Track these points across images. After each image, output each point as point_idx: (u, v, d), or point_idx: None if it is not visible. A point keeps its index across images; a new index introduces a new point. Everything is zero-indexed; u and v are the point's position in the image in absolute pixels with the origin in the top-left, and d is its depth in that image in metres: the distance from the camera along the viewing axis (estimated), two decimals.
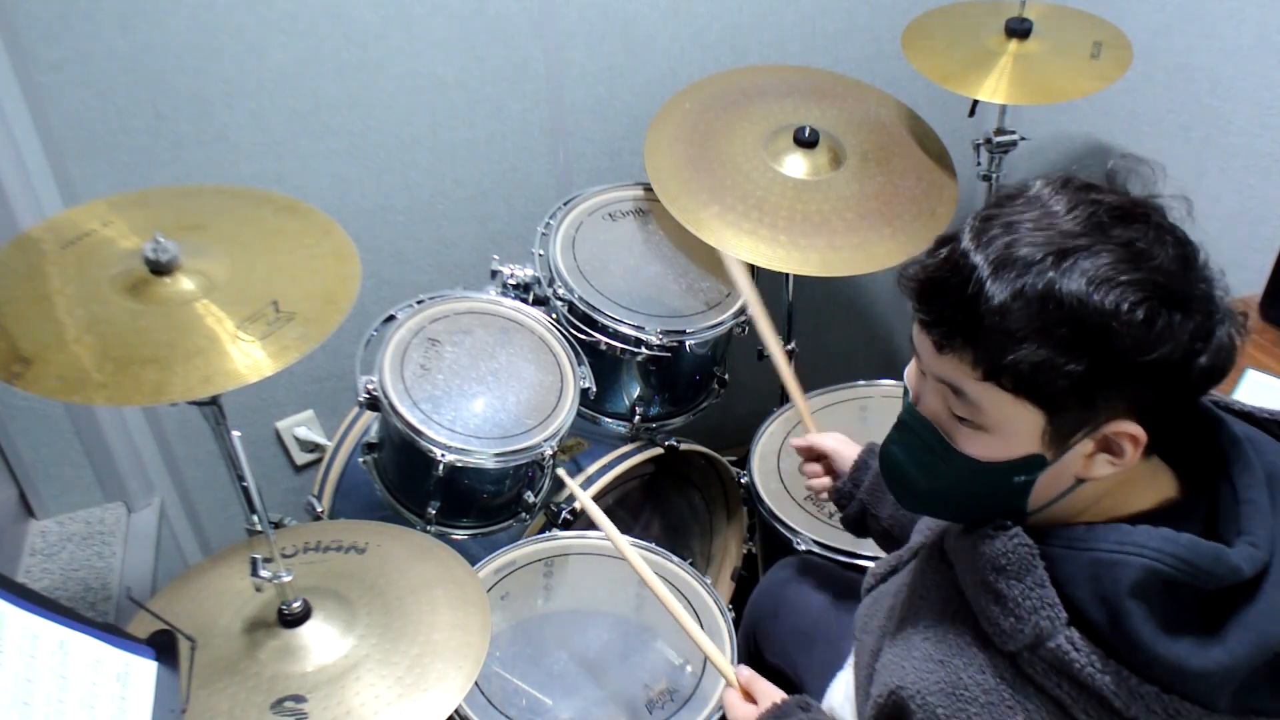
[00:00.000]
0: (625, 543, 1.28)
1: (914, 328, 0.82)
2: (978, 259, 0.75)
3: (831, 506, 1.59)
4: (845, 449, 1.31)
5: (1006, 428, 0.78)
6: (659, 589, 1.22)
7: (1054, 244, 0.73)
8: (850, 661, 1.12)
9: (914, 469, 0.86)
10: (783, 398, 1.93)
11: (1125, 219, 0.74)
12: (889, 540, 1.24)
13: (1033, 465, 0.79)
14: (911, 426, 0.86)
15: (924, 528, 1.06)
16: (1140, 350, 0.71)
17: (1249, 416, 0.86)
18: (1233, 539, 0.76)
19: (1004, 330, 0.73)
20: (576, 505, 1.58)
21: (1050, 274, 0.72)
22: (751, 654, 1.44)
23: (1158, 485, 0.83)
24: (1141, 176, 0.79)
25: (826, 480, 1.34)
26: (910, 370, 0.87)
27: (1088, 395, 0.74)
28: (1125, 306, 0.70)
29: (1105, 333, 0.71)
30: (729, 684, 1.14)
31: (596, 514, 1.30)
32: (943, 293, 0.77)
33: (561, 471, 1.52)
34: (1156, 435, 0.77)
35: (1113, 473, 0.78)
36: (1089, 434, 0.76)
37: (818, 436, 1.35)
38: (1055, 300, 0.72)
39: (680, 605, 1.24)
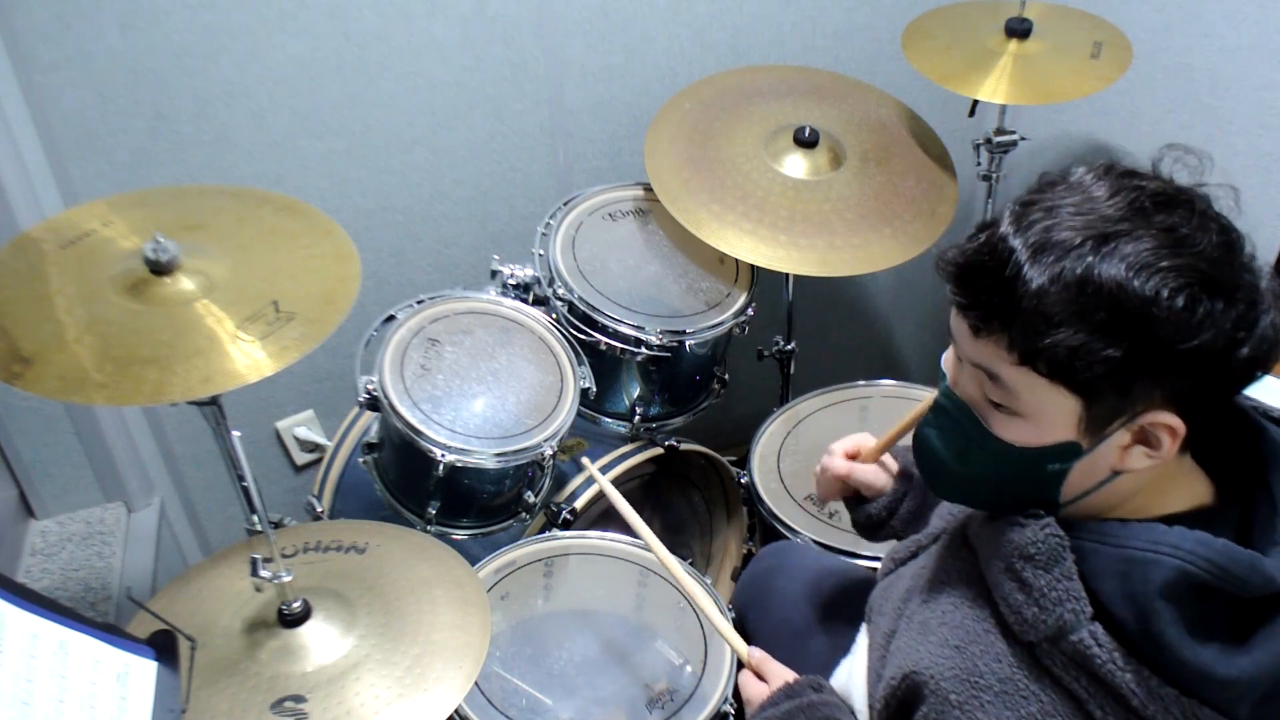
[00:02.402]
0: (643, 525, 1.28)
1: (952, 312, 0.81)
2: (1016, 242, 0.74)
3: (832, 505, 1.59)
4: (881, 473, 1.20)
5: (1042, 413, 0.77)
6: (675, 568, 1.24)
7: (1094, 229, 0.72)
8: (857, 645, 1.12)
9: (948, 454, 0.86)
10: (783, 398, 1.93)
11: (1168, 205, 0.74)
12: None
13: (1067, 453, 0.78)
14: (948, 410, 0.85)
15: (945, 513, 1.05)
16: (1180, 337, 0.70)
17: None
18: (1268, 549, 0.75)
19: (1041, 314, 0.72)
20: (577, 505, 1.58)
21: (1089, 258, 0.71)
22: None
23: (1192, 488, 0.82)
24: (1188, 166, 0.79)
25: (835, 497, 1.24)
26: (947, 355, 0.86)
27: (1125, 382, 0.73)
28: (1166, 292, 0.70)
29: (1144, 319, 0.70)
30: (743, 663, 1.13)
31: (613, 494, 1.31)
32: (980, 276, 0.76)
33: (586, 460, 1.49)
34: (1195, 430, 0.76)
35: (1149, 465, 0.77)
36: (1126, 424, 0.76)
37: (864, 470, 1.19)
38: (1094, 285, 0.71)
39: (695, 584, 1.25)
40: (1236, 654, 0.73)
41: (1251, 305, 0.73)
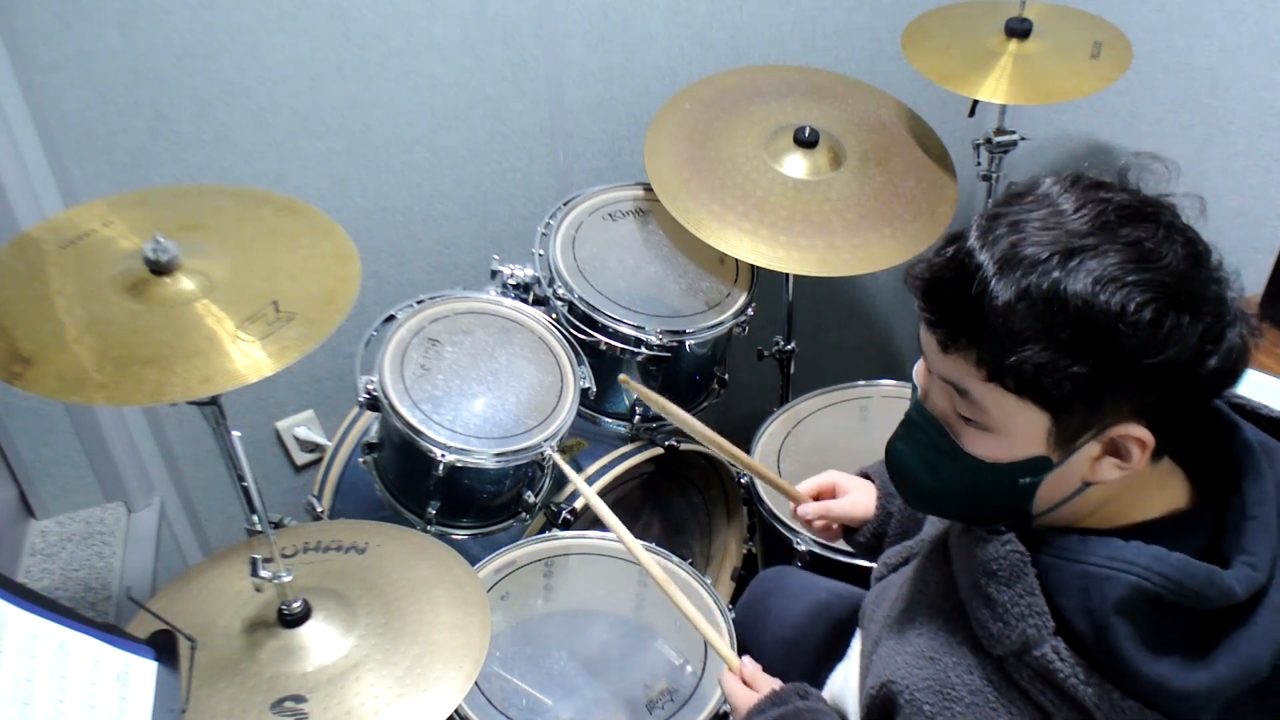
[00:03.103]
0: (629, 536, 1.28)
1: (921, 327, 0.81)
2: (983, 258, 0.74)
3: None
4: (858, 501, 1.23)
5: (1011, 429, 0.77)
6: (659, 575, 1.22)
7: (1060, 244, 0.72)
8: (851, 651, 1.13)
9: (920, 467, 0.86)
10: (783, 398, 1.93)
11: (1134, 218, 0.73)
12: None
13: (1038, 467, 0.78)
14: (919, 424, 0.85)
15: (936, 520, 1.05)
16: (1147, 352, 0.70)
17: (1274, 423, 0.85)
18: (1234, 556, 0.75)
19: (1007, 330, 0.72)
20: (577, 505, 1.58)
21: (1055, 274, 0.71)
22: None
23: (1168, 493, 0.82)
24: (1155, 174, 0.78)
25: (831, 537, 1.27)
26: (919, 368, 0.86)
27: (1093, 397, 0.73)
28: (1132, 307, 0.69)
29: (1111, 334, 0.70)
30: (729, 668, 1.13)
31: (598, 505, 1.30)
32: (947, 291, 0.76)
33: (566, 468, 1.50)
34: (1166, 439, 0.76)
35: (1120, 476, 0.77)
36: (1095, 436, 0.75)
37: (838, 506, 1.23)
38: (1060, 301, 0.70)
39: (681, 593, 1.23)
40: (1195, 667, 0.73)
41: (1218, 318, 0.72)
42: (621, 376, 1.56)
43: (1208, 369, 0.72)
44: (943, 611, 0.88)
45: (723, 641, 1.18)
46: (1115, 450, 0.76)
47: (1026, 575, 0.78)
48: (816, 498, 1.26)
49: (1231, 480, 0.80)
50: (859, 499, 1.22)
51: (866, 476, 1.25)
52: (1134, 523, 0.80)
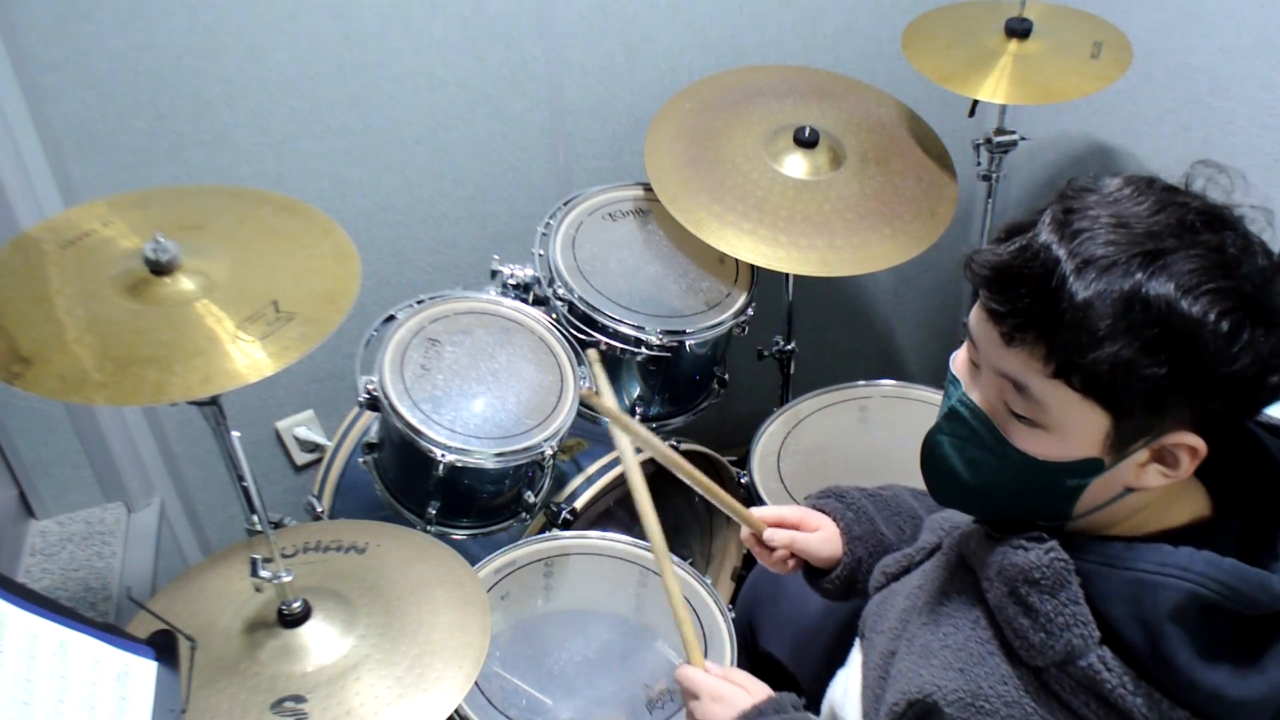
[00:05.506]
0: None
1: (975, 316, 0.79)
2: (1060, 252, 0.72)
3: None
4: (826, 539, 1.15)
5: (1068, 428, 0.75)
6: (664, 556, 1.15)
7: (1141, 244, 0.71)
8: (851, 660, 1.11)
9: (961, 462, 0.83)
10: (783, 398, 1.93)
11: (1214, 224, 0.73)
12: None
13: (1089, 469, 0.76)
14: (964, 417, 0.82)
15: (936, 526, 1.04)
16: (1221, 361, 0.69)
17: (1273, 430, 0.84)
18: (1269, 563, 0.74)
19: (1085, 327, 0.70)
20: (577, 505, 1.58)
21: (1138, 275, 0.70)
22: (745, 640, 1.41)
23: (1192, 501, 0.81)
24: (1220, 185, 0.77)
25: (787, 570, 1.19)
26: (960, 359, 0.84)
27: (1158, 402, 0.72)
28: (1213, 315, 0.69)
29: (1190, 340, 0.69)
30: (692, 660, 1.05)
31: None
32: (1020, 283, 0.74)
33: (603, 382, 1.33)
34: (1214, 450, 0.75)
35: (1163, 484, 0.76)
36: (1149, 443, 0.74)
37: (806, 539, 1.16)
38: (1142, 302, 0.69)
39: (676, 574, 1.14)
40: (1248, 674, 0.72)
41: None
42: (585, 389, 1.42)
43: (1269, 384, 0.72)
44: (968, 622, 0.85)
45: (695, 640, 1.09)
46: (1163, 458, 0.75)
47: (1071, 584, 0.76)
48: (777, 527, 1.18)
49: (1251, 489, 0.80)
50: (827, 536, 1.15)
51: (825, 512, 1.18)
52: (1162, 529, 0.79)
